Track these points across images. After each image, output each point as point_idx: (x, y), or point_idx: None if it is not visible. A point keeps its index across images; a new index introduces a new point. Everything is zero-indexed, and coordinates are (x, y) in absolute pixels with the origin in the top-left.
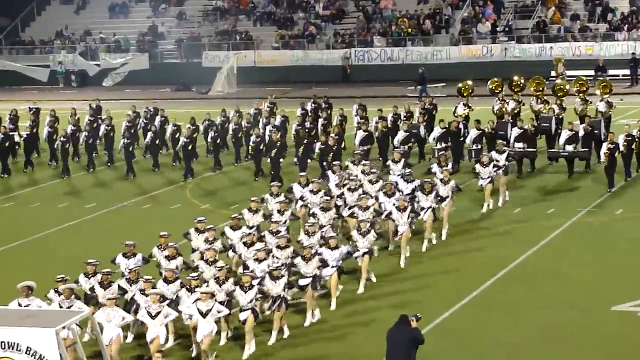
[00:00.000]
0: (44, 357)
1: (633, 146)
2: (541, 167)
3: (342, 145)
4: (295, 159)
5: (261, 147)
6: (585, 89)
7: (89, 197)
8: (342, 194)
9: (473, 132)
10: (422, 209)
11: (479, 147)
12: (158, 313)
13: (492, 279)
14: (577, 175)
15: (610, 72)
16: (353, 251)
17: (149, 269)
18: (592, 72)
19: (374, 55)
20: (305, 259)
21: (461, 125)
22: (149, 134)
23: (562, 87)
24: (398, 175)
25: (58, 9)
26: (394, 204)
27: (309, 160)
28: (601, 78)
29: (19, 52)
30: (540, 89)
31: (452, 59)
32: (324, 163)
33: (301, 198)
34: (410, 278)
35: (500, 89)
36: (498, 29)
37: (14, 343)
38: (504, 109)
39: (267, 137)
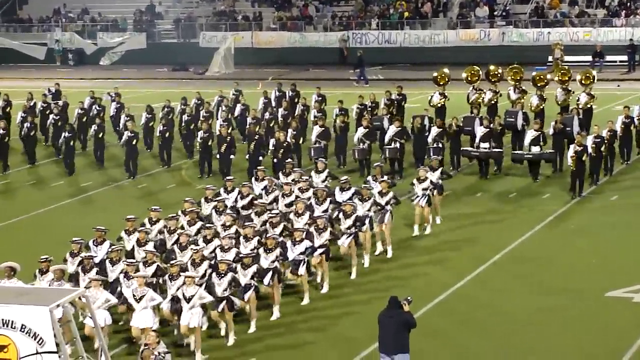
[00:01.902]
0: (38, 334)
1: (602, 149)
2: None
3: (300, 141)
4: (247, 156)
5: (209, 143)
6: (567, 78)
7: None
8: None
9: (434, 130)
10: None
11: (440, 145)
12: (142, 296)
13: (484, 264)
14: (543, 180)
15: (608, 58)
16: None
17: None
18: (589, 58)
19: (372, 38)
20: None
21: (426, 121)
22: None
23: (541, 76)
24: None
25: None
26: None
27: (260, 158)
28: (598, 65)
29: (16, 29)
30: (518, 77)
31: (449, 42)
32: (275, 161)
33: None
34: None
35: (476, 78)
36: (496, 13)
37: (9, 320)
38: (480, 100)
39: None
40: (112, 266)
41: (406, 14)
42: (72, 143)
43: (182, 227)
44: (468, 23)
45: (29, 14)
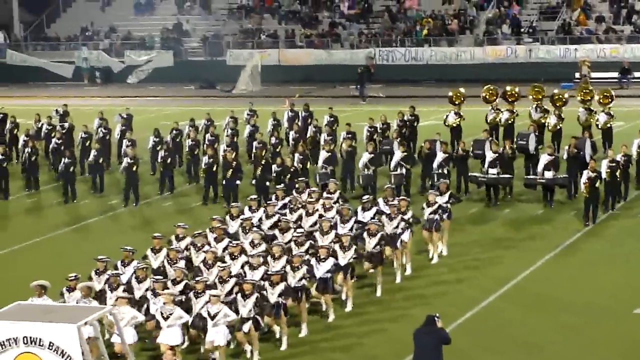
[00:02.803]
0: (65, 352)
1: (617, 173)
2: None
3: (308, 165)
4: (253, 181)
5: (214, 169)
6: (590, 97)
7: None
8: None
9: (440, 156)
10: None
11: (446, 171)
12: (170, 314)
13: (510, 283)
14: (557, 206)
15: (636, 74)
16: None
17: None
18: (616, 75)
19: (398, 55)
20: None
21: (437, 146)
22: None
23: (560, 96)
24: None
25: (83, 5)
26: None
27: (267, 183)
28: (625, 81)
29: (44, 48)
30: (540, 97)
31: (476, 59)
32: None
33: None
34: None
35: (494, 97)
36: (522, 30)
37: (37, 338)
38: (497, 119)
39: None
40: (139, 284)
41: (425, 31)
42: (72, 169)
43: (209, 244)
44: (495, 40)
45: (57, 32)
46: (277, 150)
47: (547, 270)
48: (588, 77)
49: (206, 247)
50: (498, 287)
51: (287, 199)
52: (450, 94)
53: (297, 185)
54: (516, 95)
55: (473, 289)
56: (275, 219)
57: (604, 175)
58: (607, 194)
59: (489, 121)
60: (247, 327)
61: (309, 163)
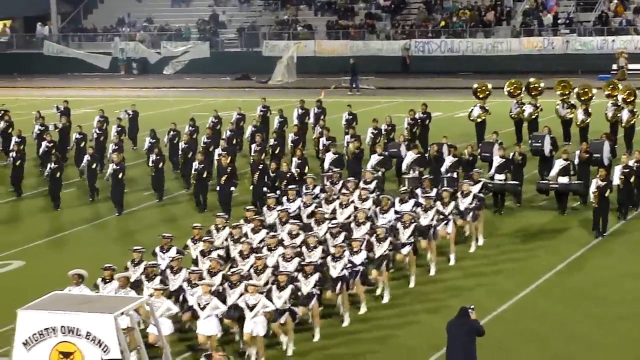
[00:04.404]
0: (102, 342)
1: (631, 180)
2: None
3: (304, 170)
4: (250, 187)
5: (204, 176)
6: (616, 93)
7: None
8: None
9: (448, 160)
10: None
11: (455, 175)
12: (207, 304)
13: (546, 275)
14: (570, 213)
15: None
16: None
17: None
18: None
19: (434, 47)
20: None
21: (444, 149)
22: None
23: (586, 90)
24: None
25: None
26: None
27: (265, 189)
28: None
29: (82, 39)
30: (567, 92)
31: (512, 51)
32: (277, 192)
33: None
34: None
35: (519, 92)
36: (560, 21)
37: (74, 328)
38: (521, 115)
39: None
40: (174, 275)
41: (459, 23)
42: (58, 175)
43: (246, 235)
44: (531, 31)
45: (94, 24)
46: (276, 152)
47: (582, 263)
48: (625, 69)
49: (242, 238)
50: (534, 279)
51: (317, 189)
52: (475, 86)
53: (331, 175)
54: (539, 89)
55: (509, 281)
56: (312, 208)
57: (617, 182)
58: (620, 201)
59: (513, 115)
60: (283, 318)
61: (307, 168)
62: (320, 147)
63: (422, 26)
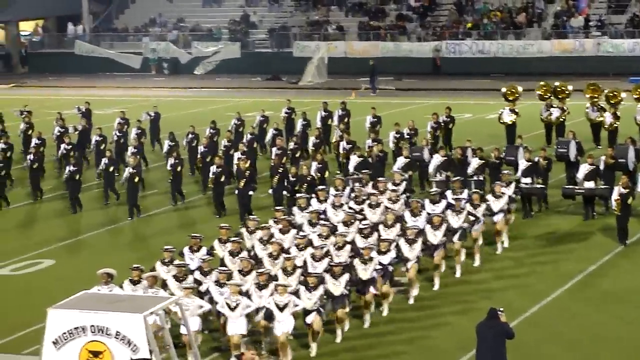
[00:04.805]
0: (132, 341)
1: None
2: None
3: (325, 174)
4: (270, 190)
5: (222, 180)
6: None
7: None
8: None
9: (474, 162)
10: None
11: (482, 178)
12: (237, 305)
13: (576, 278)
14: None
15: None
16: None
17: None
18: None
19: (465, 48)
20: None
21: (469, 152)
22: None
23: (615, 93)
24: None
25: None
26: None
27: (284, 192)
28: None
29: (113, 39)
30: (596, 95)
31: (543, 53)
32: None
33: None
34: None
35: (549, 95)
36: (591, 23)
37: (104, 327)
38: (549, 118)
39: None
40: (204, 276)
41: (490, 24)
42: (77, 177)
43: (273, 236)
44: (562, 33)
45: (125, 24)
46: (296, 156)
47: (610, 267)
48: None
49: (272, 239)
50: (564, 282)
51: (347, 190)
52: (504, 90)
53: (360, 177)
54: (567, 92)
55: (539, 283)
56: (341, 209)
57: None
58: None
59: (542, 119)
60: (310, 318)
61: (327, 172)
62: (341, 150)
63: (452, 27)
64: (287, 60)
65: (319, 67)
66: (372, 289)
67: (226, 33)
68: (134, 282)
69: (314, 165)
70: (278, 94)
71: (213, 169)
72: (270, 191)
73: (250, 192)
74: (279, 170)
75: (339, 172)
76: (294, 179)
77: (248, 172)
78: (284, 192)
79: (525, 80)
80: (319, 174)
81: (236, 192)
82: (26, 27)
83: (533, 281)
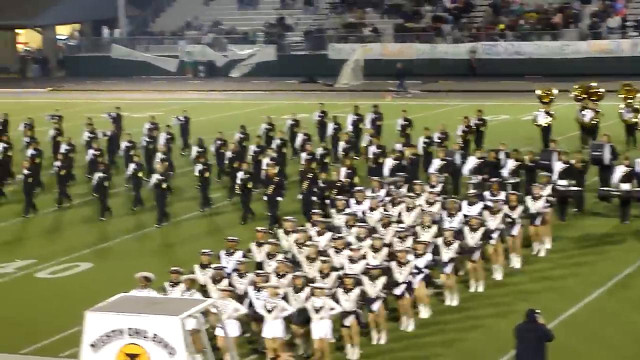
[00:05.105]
0: (169, 344)
1: None
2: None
3: (354, 179)
4: (300, 196)
5: (249, 186)
6: None
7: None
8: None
9: (510, 163)
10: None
11: (517, 180)
12: (274, 307)
13: (614, 279)
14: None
15: None
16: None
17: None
18: None
19: (501, 50)
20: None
21: (502, 155)
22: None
23: None
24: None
25: (188, 0)
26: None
27: (313, 198)
28: None
29: (149, 42)
30: (631, 96)
31: (580, 53)
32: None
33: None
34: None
35: (584, 96)
36: (628, 24)
37: (141, 330)
38: (583, 120)
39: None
40: (240, 278)
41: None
42: (106, 184)
43: (310, 239)
44: (599, 34)
45: (162, 27)
46: (325, 161)
47: None
48: None
49: (308, 242)
50: (602, 283)
51: (383, 192)
52: (539, 92)
53: (396, 180)
54: (600, 93)
55: (577, 285)
56: (379, 212)
57: None
58: None
59: (578, 121)
60: (349, 320)
61: (356, 178)
62: (370, 155)
63: (488, 29)
64: (322, 62)
65: (355, 69)
66: (406, 293)
67: (262, 36)
68: (173, 284)
69: (343, 170)
70: (314, 97)
71: (240, 175)
72: (299, 196)
73: (279, 198)
74: (308, 176)
75: (368, 177)
76: (324, 184)
77: (277, 178)
78: (313, 198)
79: (562, 81)
80: (348, 180)
81: (264, 198)
82: (63, 31)
83: (570, 283)
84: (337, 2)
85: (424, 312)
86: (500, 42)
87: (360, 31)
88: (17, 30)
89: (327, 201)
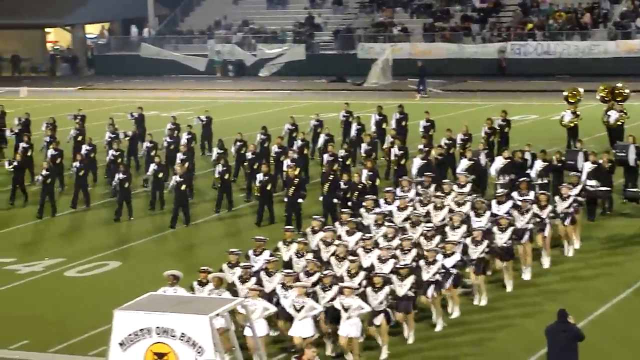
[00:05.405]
0: (197, 343)
1: None
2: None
3: (376, 181)
4: (320, 198)
5: (268, 188)
6: None
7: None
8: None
9: (538, 164)
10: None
11: (546, 181)
12: (303, 306)
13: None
14: None
15: None
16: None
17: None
18: None
19: (530, 49)
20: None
21: (527, 155)
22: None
23: None
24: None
25: None
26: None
27: (335, 200)
28: None
29: (178, 41)
30: None
31: (609, 53)
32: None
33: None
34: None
35: (610, 97)
36: None
37: (169, 329)
38: (607, 120)
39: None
40: (269, 277)
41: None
42: (127, 185)
43: (340, 238)
44: (628, 34)
45: (190, 26)
46: (347, 163)
47: None
48: None
49: (337, 241)
50: (631, 283)
51: (412, 192)
52: (566, 93)
53: (423, 180)
54: (625, 94)
55: (606, 285)
56: (408, 212)
57: None
58: None
59: (604, 121)
60: (378, 319)
61: (378, 180)
62: (392, 157)
63: (517, 28)
64: (351, 62)
65: (384, 68)
66: (435, 292)
67: (291, 35)
68: (202, 284)
69: (365, 172)
70: (342, 96)
71: (260, 176)
72: (320, 198)
73: (300, 200)
74: (330, 178)
75: (389, 179)
76: (346, 186)
77: (297, 179)
78: (334, 200)
79: (591, 81)
80: (370, 182)
81: (285, 199)
82: (92, 30)
83: (599, 283)
84: (367, 1)
85: (454, 312)
86: (530, 41)
87: (389, 31)
88: (46, 29)
89: (349, 203)
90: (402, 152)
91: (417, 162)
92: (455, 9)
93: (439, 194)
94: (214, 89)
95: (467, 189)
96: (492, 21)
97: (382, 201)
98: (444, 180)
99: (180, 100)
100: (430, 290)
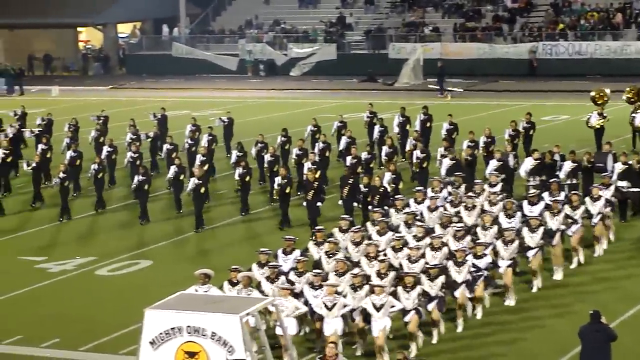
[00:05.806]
0: (227, 342)
1: None
2: None
3: (399, 184)
4: (339, 202)
5: (287, 192)
6: None
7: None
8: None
9: (567, 165)
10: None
11: (575, 181)
12: (334, 305)
13: None
14: None
15: None
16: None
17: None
18: None
19: (562, 49)
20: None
21: (557, 157)
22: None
23: None
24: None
25: None
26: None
27: (354, 204)
28: None
29: (209, 41)
30: None
31: None
32: (369, 208)
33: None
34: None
35: (637, 99)
36: None
37: (200, 328)
38: (633, 122)
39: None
40: (298, 277)
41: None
42: (146, 187)
43: (370, 238)
44: None
45: (222, 26)
46: (370, 166)
47: None
48: None
49: (367, 241)
50: None
51: (445, 192)
52: (593, 94)
53: (453, 181)
54: None
55: (635, 286)
56: (437, 212)
57: None
58: None
59: (631, 123)
60: (409, 317)
61: (401, 183)
62: (414, 160)
63: (549, 28)
64: (382, 61)
65: (415, 68)
66: (465, 291)
67: (322, 35)
68: (233, 284)
69: (387, 175)
70: (373, 96)
71: (278, 180)
72: (340, 202)
73: (319, 204)
74: (349, 181)
75: (413, 181)
76: (366, 189)
77: (317, 182)
78: (354, 204)
79: (622, 81)
80: (393, 185)
81: (304, 203)
82: (124, 30)
83: (629, 284)
84: (398, 1)
85: (479, 313)
86: (561, 42)
87: (420, 30)
88: (78, 29)
89: (369, 207)
90: (424, 154)
91: (446, 163)
92: (486, 9)
93: (470, 194)
94: (245, 89)
95: (498, 188)
96: (524, 21)
97: (412, 201)
98: (475, 181)
99: (212, 100)
100: (460, 290)
